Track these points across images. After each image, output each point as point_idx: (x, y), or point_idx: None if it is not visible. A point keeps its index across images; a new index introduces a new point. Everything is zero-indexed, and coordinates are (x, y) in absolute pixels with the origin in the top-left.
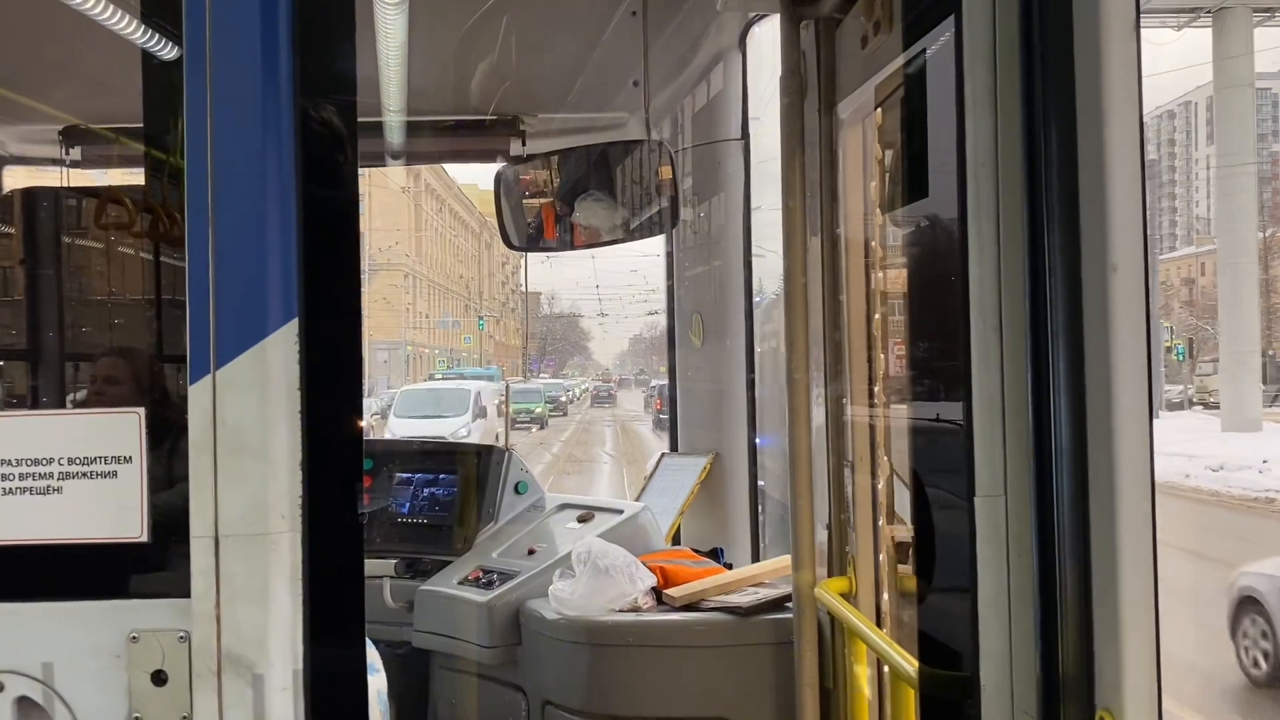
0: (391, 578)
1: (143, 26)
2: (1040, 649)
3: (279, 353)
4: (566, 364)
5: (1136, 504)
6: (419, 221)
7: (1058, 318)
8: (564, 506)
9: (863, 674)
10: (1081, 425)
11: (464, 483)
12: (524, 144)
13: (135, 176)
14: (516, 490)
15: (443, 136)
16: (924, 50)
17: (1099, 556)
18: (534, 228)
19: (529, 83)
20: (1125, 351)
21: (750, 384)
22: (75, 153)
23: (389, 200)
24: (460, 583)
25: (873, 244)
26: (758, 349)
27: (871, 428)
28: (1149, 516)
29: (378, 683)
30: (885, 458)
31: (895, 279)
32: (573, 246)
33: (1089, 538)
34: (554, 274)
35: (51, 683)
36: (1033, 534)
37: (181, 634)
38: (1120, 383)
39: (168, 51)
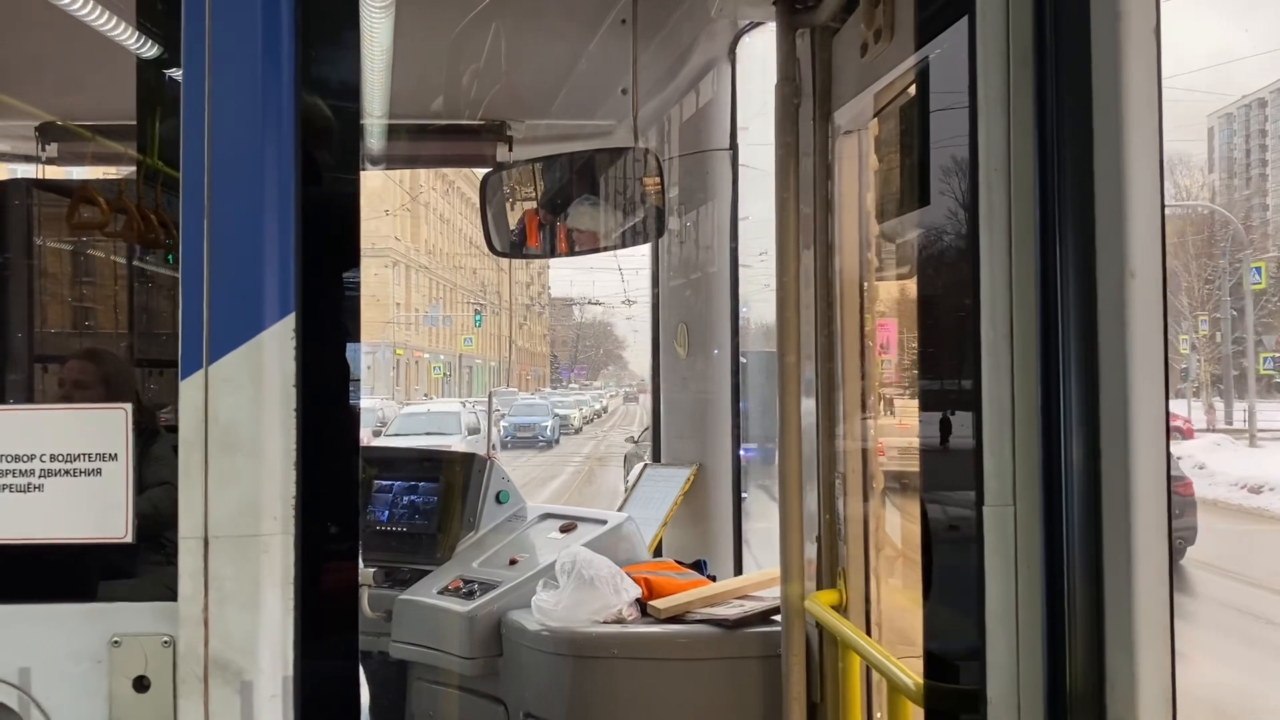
0: (370, 587)
1: (137, 25)
2: (1048, 662)
3: (275, 348)
4: (599, 374)
5: (1152, 514)
6: (415, 202)
7: (1070, 325)
8: (546, 516)
9: (852, 687)
10: (1094, 435)
11: (444, 491)
12: (511, 149)
13: (114, 172)
14: (498, 499)
15: (430, 141)
16: (931, 56)
17: (1112, 567)
18: (518, 234)
19: (517, 89)
20: (1143, 359)
21: (735, 395)
22: (51, 149)
23: (370, 173)
24: (440, 592)
25: (868, 254)
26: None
27: (864, 438)
28: (1164, 527)
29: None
30: (878, 469)
31: (890, 289)
32: (555, 253)
33: (1101, 549)
34: (582, 270)
35: (28, 688)
36: (1042, 545)
37: (166, 639)
38: (1137, 391)
39: (164, 47)
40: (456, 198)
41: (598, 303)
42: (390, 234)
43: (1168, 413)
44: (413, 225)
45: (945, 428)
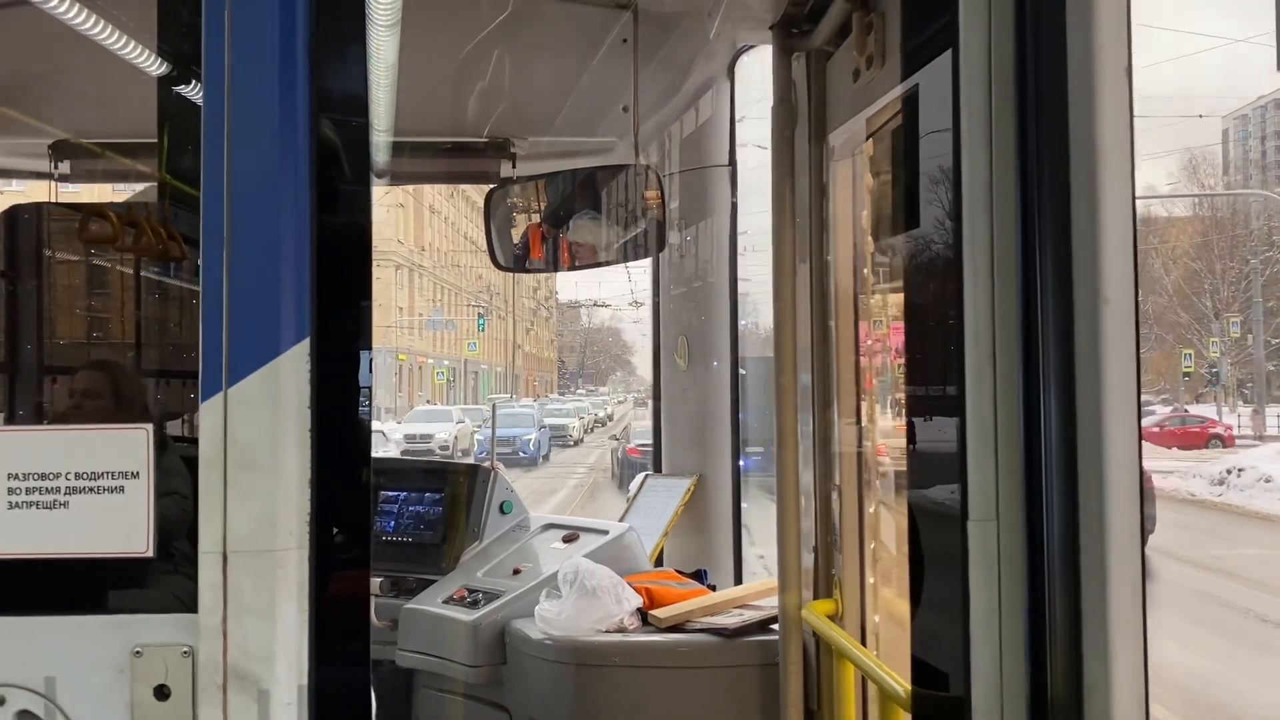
0: (376, 596)
1: (158, 49)
2: (1030, 671)
3: (291, 371)
4: (608, 379)
5: (1125, 529)
6: (418, 204)
7: (1050, 347)
8: (549, 526)
9: (848, 695)
10: (1072, 452)
11: (449, 502)
12: (514, 166)
13: (125, 192)
14: (501, 510)
15: (434, 158)
16: (918, 85)
17: (1088, 580)
18: (521, 248)
19: (520, 106)
20: (1116, 381)
21: (735, 406)
22: (64, 167)
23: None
24: (445, 602)
25: (862, 271)
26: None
27: (859, 450)
28: (1137, 541)
29: None
30: (873, 481)
31: (883, 306)
32: (558, 268)
33: (1079, 562)
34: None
35: (53, 697)
36: (1023, 558)
37: (185, 649)
38: (1110, 411)
39: (184, 72)
40: (461, 200)
41: (604, 304)
42: (392, 236)
43: (1139, 430)
44: (415, 227)
45: (930, 445)
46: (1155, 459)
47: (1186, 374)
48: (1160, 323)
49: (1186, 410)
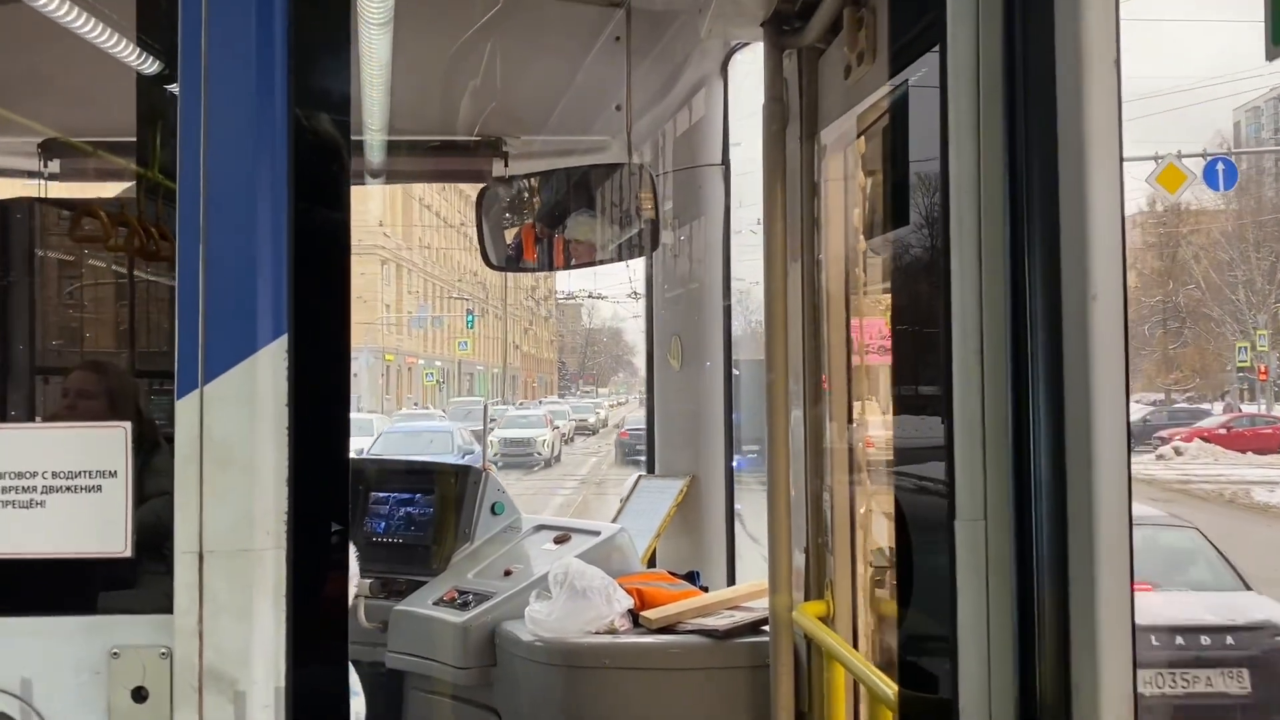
0: (366, 597)
1: (137, 42)
2: (1018, 672)
3: (268, 368)
4: (610, 380)
5: (1114, 528)
6: (406, 197)
7: (1038, 344)
8: (540, 528)
9: (839, 697)
10: (1061, 451)
11: (440, 503)
12: (506, 165)
13: (115, 190)
14: (493, 511)
15: (426, 156)
16: (908, 81)
17: (1077, 580)
18: (514, 248)
19: (512, 105)
20: (1104, 378)
21: (728, 406)
22: (54, 166)
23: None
24: (436, 603)
25: (854, 269)
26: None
27: (850, 451)
28: (1126, 540)
29: (357, 706)
30: (864, 481)
31: (875, 304)
32: (551, 267)
33: (1067, 562)
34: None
35: (30, 699)
36: (1012, 558)
37: (163, 650)
38: (1099, 409)
39: (162, 68)
40: (454, 193)
41: (600, 296)
42: (378, 230)
43: (1128, 426)
44: (404, 218)
45: (919, 444)
46: (1238, 466)
47: (1241, 368)
48: (1193, 315)
49: (1240, 409)
